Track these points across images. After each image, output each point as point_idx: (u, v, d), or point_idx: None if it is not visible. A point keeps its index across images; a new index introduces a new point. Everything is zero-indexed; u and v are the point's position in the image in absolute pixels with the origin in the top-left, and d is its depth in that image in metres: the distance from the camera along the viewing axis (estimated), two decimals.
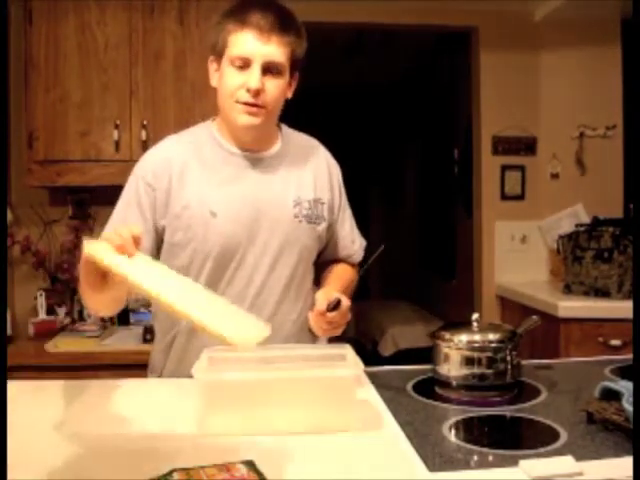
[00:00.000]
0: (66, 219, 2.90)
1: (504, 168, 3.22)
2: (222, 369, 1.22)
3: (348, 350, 1.26)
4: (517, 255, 3.22)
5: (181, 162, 1.47)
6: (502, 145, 3.21)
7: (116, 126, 2.58)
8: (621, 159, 3.23)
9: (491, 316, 3.16)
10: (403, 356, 4.48)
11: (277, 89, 1.43)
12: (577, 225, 2.87)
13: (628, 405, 1.04)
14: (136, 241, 1.09)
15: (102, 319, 2.71)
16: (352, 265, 1.69)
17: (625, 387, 1.09)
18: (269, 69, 1.40)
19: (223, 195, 1.45)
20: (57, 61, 2.57)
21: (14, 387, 1.32)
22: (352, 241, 1.68)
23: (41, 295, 2.68)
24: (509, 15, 3.18)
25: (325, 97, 5.98)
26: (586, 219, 3.03)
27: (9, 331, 2.64)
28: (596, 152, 3.22)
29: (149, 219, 1.45)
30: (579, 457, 0.97)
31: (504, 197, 3.22)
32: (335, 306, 1.36)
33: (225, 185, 1.46)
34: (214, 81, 1.48)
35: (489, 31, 3.20)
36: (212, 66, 1.47)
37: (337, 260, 1.67)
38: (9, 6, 2.63)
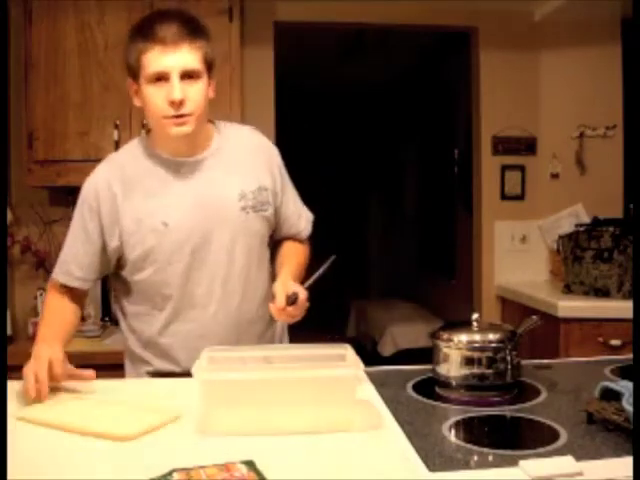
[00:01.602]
0: (66, 219, 2.88)
1: (504, 168, 3.22)
2: (222, 369, 1.22)
3: (348, 350, 1.26)
4: (517, 255, 3.22)
5: (121, 182, 1.52)
6: (502, 145, 3.21)
7: (116, 126, 2.58)
8: (621, 159, 3.23)
9: (491, 316, 3.16)
10: (403, 356, 4.49)
11: (199, 94, 1.46)
12: (577, 225, 2.87)
13: (628, 405, 1.04)
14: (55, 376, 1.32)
15: (102, 319, 2.71)
16: (301, 241, 1.75)
17: (625, 387, 1.09)
18: (186, 77, 1.43)
19: (170, 204, 1.51)
20: (57, 61, 2.57)
21: (14, 387, 1.33)
22: (298, 217, 1.74)
23: (41, 295, 2.67)
24: (509, 15, 3.18)
25: (324, 97, 5.98)
26: (586, 219, 3.03)
27: (9, 331, 2.64)
28: (596, 152, 3.22)
29: (97, 241, 1.53)
30: (579, 457, 0.97)
31: (504, 197, 3.22)
32: (294, 300, 1.43)
33: (170, 194, 1.52)
34: (137, 102, 1.52)
35: (489, 31, 3.20)
36: (132, 88, 1.52)
37: (287, 238, 1.73)
38: (9, 6, 2.64)
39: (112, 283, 1.68)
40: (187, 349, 1.52)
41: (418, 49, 4.80)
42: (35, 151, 2.57)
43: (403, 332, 4.72)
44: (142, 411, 1.23)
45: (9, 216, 2.74)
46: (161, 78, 1.42)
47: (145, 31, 1.43)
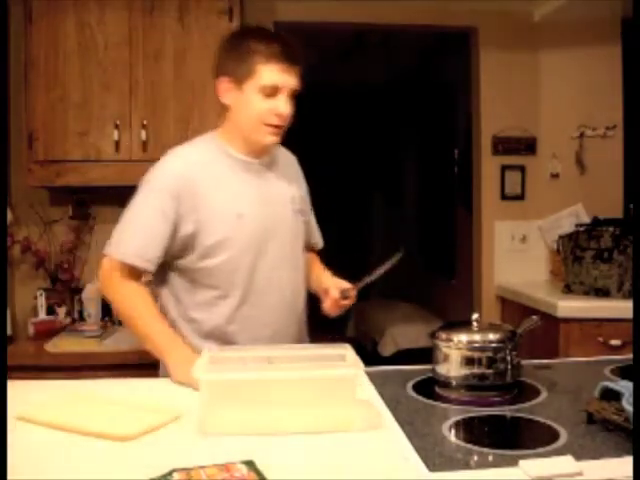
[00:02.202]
0: (66, 219, 2.90)
1: (504, 168, 3.22)
2: (222, 369, 1.22)
3: (348, 350, 1.26)
4: (517, 255, 3.22)
5: (199, 172, 1.62)
6: (502, 145, 3.20)
7: (116, 126, 2.58)
8: (621, 159, 3.22)
9: (491, 316, 3.16)
10: (403, 356, 4.48)
11: (292, 110, 1.65)
12: (577, 225, 2.87)
13: (628, 405, 1.04)
14: None
15: (102, 319, 2.71)
16: (315, 252, 1.93)
17: (625, 387, 1.09)
18: (290, 95, 1.62)
19: (243, 198, 1.64)
20: (57, 61, 2.57)
21: (14, 387, 1.33)
22: (316, 229, 1.92)
23: (41, 295, 2.68)
24: (509, 15, 3.17)
25: (324, 97, 5.98)
26: (586, 219, 3.03)
27: (9, 331, 2.64)
28: (596, 152, 3.22)
29: (170, 227, 1.58)
30: (579, 457, 0.97)
31: (504, 197, 3.22)
32: (347, 295, 1.67)
33: (243, 190, 1.65)
34: (225, 99, 1.63)
35: (489, 31, 3.20)
36: (226, 86, 1.61)
37: (306, 247, 1.85)
38: (9, 6, 2.64)
39: (162, 277, 1.67)
40: (251, 337, 1.61)
41: (418, 49, 4.80)
42: (35, 151, 2.57)
43: (403, 332, 4.72)
44: (142, 411, 1.23)
45: (9, 216, 2.74)
46: (273, 91, 1.58)
47: (267, 44, 1.58)
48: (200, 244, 1.59)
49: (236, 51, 1.60)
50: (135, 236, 1.59)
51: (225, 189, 1.63)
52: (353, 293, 1.67)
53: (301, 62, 1.62)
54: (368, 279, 1.67)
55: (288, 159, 1.84)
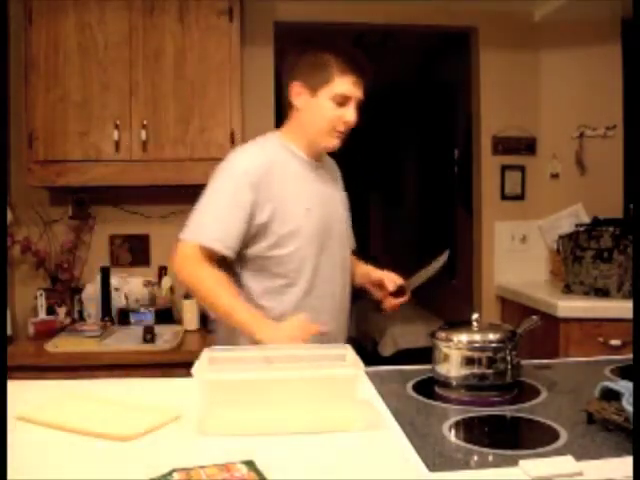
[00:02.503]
0: (66, 219, 2.90)
1: (504, 168, 3.22)
2: (222, 369, 1.22)
3: (348, 350, 1.26)
4: (517, 255, 3.22)
5: (274, 166, 1.70)
6: (502, 145, 3.20)
7: (116, 126, 2.58)
8: (621, 159, 3.22)
9: (491, 316, 3.16)
10: (403, 356, 4.48)
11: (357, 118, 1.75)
12: (577, 225, 2.87)
13: (628, 405, 1.04)
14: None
15: (102, 319, 2.71)
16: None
17: (625, 387, 1.09)
18: (357, 105, 1.73)
19: (310, 194, 1.74)
20: (57, 61, 2.57)
21: (14, 387, 1.32)
22: (351, 232, 1.97)
23: (41, 295, 2.67)
24: (509, 15, 3.17)
25: None
26: (586, 219, 3.03)
27: (9, 331, 2.64)
28: (596, 152, 3.22)
29: (248, 214, 1.64)
30: (579, 457, 0.97)
31: (504, 197, 3.22)
32: (401, 291, 1.77)
33: (309, 187, 1.75)
34: (297, 102, 1.72)
35: (489, 31, 3.20)
36: (299, 90, 1.71)
37: None
38: (9, 6, 2.64)
39: (238, 265, 1.72)
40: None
41: (418, 49, 4.80)
42: (35, 151, 2.57)
43: (403, 332, 4.72)
44: (142, 411, 1.23)
45: (9, 216, 2.74)
46: (343, 100, 1.69)
47: (345, 57, 1.68)
48: (273, 233, 1.67)
49: (314, 59, 1.70)
50: (215, 221, 1.64)
51: (295, 184, 1.72)
52: (407, 290, 1.77)
53: (370, 76, 1.74)
54: (418, 281, 1.77)
55: (332, 163, 1.94)
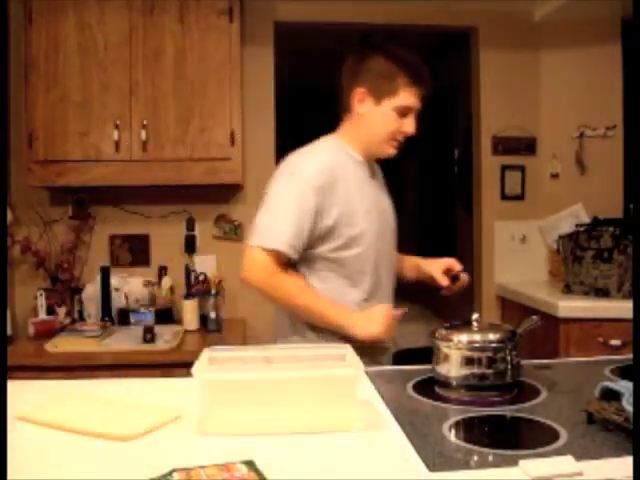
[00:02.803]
0: (66, 219, 2.91)
1: (504, 168, 3.22)
2: (222, 369, 1.22)
3: (348, 350, 1.26)
4: (517, 255, 3.22)
5: (338, 170, 1.71)
6: (502, 145, 3.21)
7: (116, 126, 2.58)
8: (621, 159, 3.23)
9: (491, 316, 3.16)
10: (403, 356, 4.48)
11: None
12: (577, 225, 2.87)
13: (628, 405, 1.04)
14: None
15: (102, 319, 2.71)
16: None
17: (625, 387, 1.08)
18: (416, 115, 1.76)
19: (370, 197, 1.77)
20: (57, 61, 2.58)
21: (14, 387, 1.32)
22: None
23: (41, 295, 2.67)
24: (509, 15, 3.18)
25: (324, 97, 5.97)
26: (586, 219, 3.03)
27: (9, 331, 2.64)
28: (596, 152, 3.22)
29: (313, 219, 1.66)
30: (579, 457, 0.97)
31: (504, 197, 3.22)
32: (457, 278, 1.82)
33: (368, 190, 1.78)
34: (360, 109, 1.74)
35: (489, 31, 3.20)
36: (363, 96, 1.73)
37: None
38: (9, 6, 2.64)
39: (303, 265, 1.73)
40: None
41: (418, 49, 4.79)
42: (35, 151, 2.58)
43: (403, 332, 4.71)
44: (142, 411, 1.23)
45: (9, 216, 2.74)
46: (406, 111, 1.72)
47: (412, 70, 1.71)
48: (341, 235, 1.68)
49: (381, 68, 1.71)
50: (283, 225, 1.64)
51: (357, 187, 1.73)
52: (463, 275, 1.82)
53: (431, 88, 1.77)
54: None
55: (378, 168, 1.94)
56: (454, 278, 1.81)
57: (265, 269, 1.64)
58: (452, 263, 1.84)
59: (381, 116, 1.73)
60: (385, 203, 1.87)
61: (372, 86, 1.72)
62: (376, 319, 1.63)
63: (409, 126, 1.74)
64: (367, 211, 1.73)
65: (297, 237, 1.64)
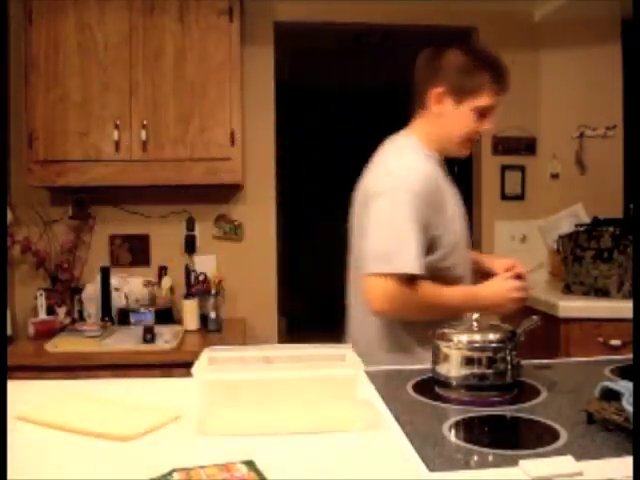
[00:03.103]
0: (66, 219, 2.91)
1: (504, 168, 3.22)
2: (222, 369, 1.22)
3: (348, 350, 1.26)
4: (517, 255, 3.19)
5: (433, 175, 1.65)
6: (502, 145, 3.21)
7: (116, 126, 2.58)
8: (621, 159, 3.23)
9: (491, 316, 3.15)
10: None
11: None
12: (577, 225, 2.87)
13: (628, 405, 1.04)
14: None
15: (102, 319, 2.71)
16: None
17: (625, 387, 1.08)
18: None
19: (453, 198, 1.73)
20: (57, 61, 2.58)
21: (14, 387, 1.32)
22: None
23: (41, 295, 2.68)
24: (509, 15, 3.18)
25: (324, 97, 5.98)
26: (586, 219, 3.03)
27: (9, 331, 2.65)
28: (596, 152, 3.22)
29: (424, 231, 1.58)
30: (579, 457, 0.97)
31: (504, 197, 3.22)
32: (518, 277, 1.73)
33: (451, 191, 1.73)
34: (436, 109, 1.70)
35: (489, 31, 3.20)
36: (441, 97, 1.68)
37: None
38: (9, 6, 2.64)
39: None
40: None
41: (418, 49, 4.79)
42: (35, 151, 2.58)
43: None
44: (142, 411, 1.23)
45: (9, 216, 2.74)
46: (485, 112, 1.68)
47: (495, 70, 1.69)
48: (443, 246, 1.63)
49: (463, 69, 1.66)
50: (408, 245, 1.55)
51: (447, 192, 1.69)
52: (524, 274, 1.74)
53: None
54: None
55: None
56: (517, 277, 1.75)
57: (400, 297, 1.56)
58: (515, 263, 1.80)
59: (460, 117, 1.68)
60: (460, 202, 1.79)
61: (453, 86, 1.66)
62: (508, 287, 1.63)
63: (488, 125, 1.70)
64: (458, 215, 1.70)
65: (422, 254, 1.57)
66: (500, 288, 1.65)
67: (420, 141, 1.72)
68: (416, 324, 1.63)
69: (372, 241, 1.58)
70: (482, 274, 1.82)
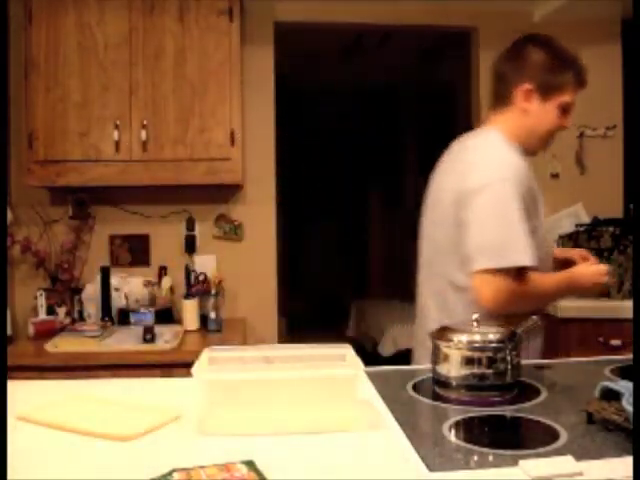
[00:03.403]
0: (66, 219, 2.91)
1: None
2: (222, 369, 1.22)
3: (348, 350, 1.26)
4: None
5: (526, 166, 1.69)
6: None
7: (116, 126, 2.58)
8: (621, 159, 3.23)
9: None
10: (403, 356, 4.48)
11: None
12: (577, 225, 2.87)
13: (628, 405, 1.04)
14: None
15: (102, 319, 2.71)
16: None
17: (625, 387, 1.08)
18: None
19: (539, 190, 1.75)
20: (57, 61, 2.58)
21: (14, 387, 1.33)
22: None
23: (41, 295, 2.68)
24: (509, 15, 3.17)
25: (324, 97, 5.98)
26: (586, 219, 3.03)
27: (9, 331, 2.65)
28: (596, 152, 3.22)
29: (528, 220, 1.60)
30: (579, 457, 0.97)
31: None
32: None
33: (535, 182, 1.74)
34: (524, 106, 1.72)
35: (489, 31, 3.20)
36: (528, 93, 1.71)
37: None
38: (9, 6, 2.64)
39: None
40: None
41: (418, 49, 4.80)
42: (35, 151, 2.58)
43: (403, 332, 4.72)
44: (142, 411, 1.23)
45: (9, 216, 2.74)
46: (567, 108, 1.72)
47: (578, 67, 1.74)
48: (536, 237, 1.62)
49: (550, 65, 1.71)
50: (518, 237, 1.56)
51: (534, 182, 1.71)
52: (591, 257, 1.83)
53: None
54: None
55: None
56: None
57: (513, 291, 1.56)
58: (586, 254, 1.85)
59: (546, 113, 1.72)
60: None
61: (541, 83, 1.70)
62: (596, 270, 1.70)
63: (568, 122, 1.74)
64: (542, 207, 1.74)
65: (531, 244, 1.57)
66: (589, 272, 1.71)
67: (504, 136, 1.73)
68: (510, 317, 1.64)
69: (479, 236, 1.58)
70: (558, 263, 1.84)
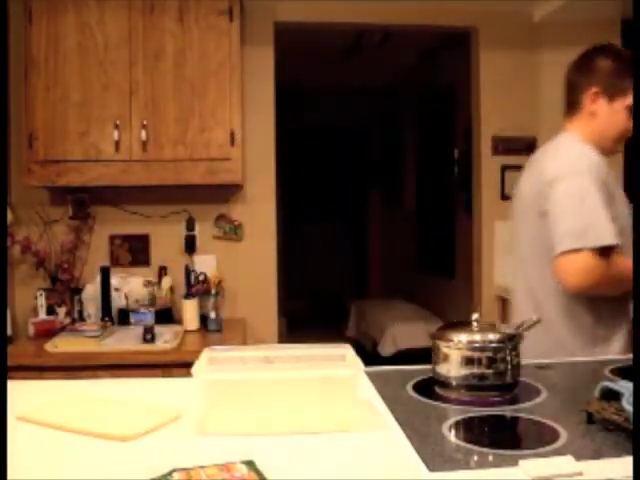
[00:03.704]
0: (66, 219, 2.91)
1: (504, 168, 3.22)
2: (222, 369, 1.22)
3: (348, 350, 1.26)
4: None
5: (602, 162, 1.74)
6: (502, 145, 3.21)
7: (116, 126, 2.58)
8: (621, 159, 3.22)
9: (491, 316, 3.16)
10: (403, 356, 4.48)
11: None
12: None
13: (628, 405, 1.04)
14: None
15: (102, 319, 2.71)
16: None
17: (625, 387, 1.08)
18: None
19: (618, 185, 1.78)
20: (57, 61, 2.58)
21: (14, 387, 1.32)
22: None
23: (41, 295, 2.68)
24: (509, 15, 3.18)
25: (324, 97, 5.98)
26: None
27: (9, 331, 2.64)
28: None
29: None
30: (579, 457, 0.97)
31: (504, 197, 3.22)
32: None
33: (614, 177, 1.77)
34: (591, 107, 1.78)
35: (489, 31, 3.20)
36: (595, 96, 1.77)
37: None
38: (9, 6, 2.64)
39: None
40: None
41: (418, 49, 4.80)
42: (35, 151, 2.58)
43: (403, 332, 4.72)
44: (142, 411, 1.23)
45: (9, 216, 2.74)
46: (632, 110, 1.74)
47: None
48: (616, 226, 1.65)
49: (614, 68, 1.76)
50: (601, 217, 1.62)
51: (612, 177, 1.75)
52: None
53: None
54: None
55: None
56: None
57: (597, 269, 1.61)
58: None
59: (614, 114, 1.77)
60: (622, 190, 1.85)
61: (606, 85, 1.76)
62: None
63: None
64: (623, 201, 1.75)
65: (613, 224, 1.62)
66: None
67: (581, 138, 1.80)
68: (598, 303, 1.70)
69: (563, 221, 1.65)
70: None
